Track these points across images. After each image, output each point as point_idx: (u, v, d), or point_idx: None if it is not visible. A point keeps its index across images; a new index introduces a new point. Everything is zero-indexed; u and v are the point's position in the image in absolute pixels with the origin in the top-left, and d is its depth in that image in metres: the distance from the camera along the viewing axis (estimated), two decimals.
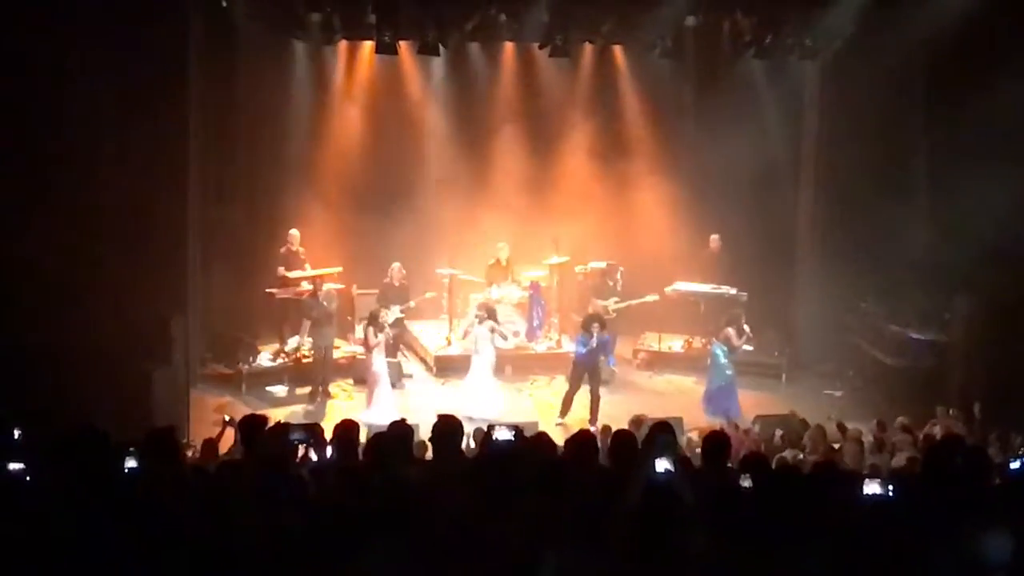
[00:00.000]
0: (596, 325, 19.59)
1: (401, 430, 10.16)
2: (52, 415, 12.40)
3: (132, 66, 17.24)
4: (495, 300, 21.76)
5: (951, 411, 17.27)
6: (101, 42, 16.83)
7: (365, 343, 19.38)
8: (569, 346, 20.97)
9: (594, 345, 19.51)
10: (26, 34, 16.24)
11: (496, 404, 19.51)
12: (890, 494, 8.25)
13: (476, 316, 20.02)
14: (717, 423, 17.57)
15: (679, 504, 7.54)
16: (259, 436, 10.04)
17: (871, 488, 8.29)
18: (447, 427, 9.73)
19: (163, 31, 17.62)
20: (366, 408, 19.00)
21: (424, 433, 14.62)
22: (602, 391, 19.94)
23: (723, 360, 20.00)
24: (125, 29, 16.95)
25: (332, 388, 20.48)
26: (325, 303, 20.30)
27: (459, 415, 17.42)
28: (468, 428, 16.19)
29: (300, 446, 9.78)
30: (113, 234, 17.40)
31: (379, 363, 19.27)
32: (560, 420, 19.57)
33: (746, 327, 20.23)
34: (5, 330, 16.06)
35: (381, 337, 19.20)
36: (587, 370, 19.64)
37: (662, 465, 7.99)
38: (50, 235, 16.58)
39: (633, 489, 7.65)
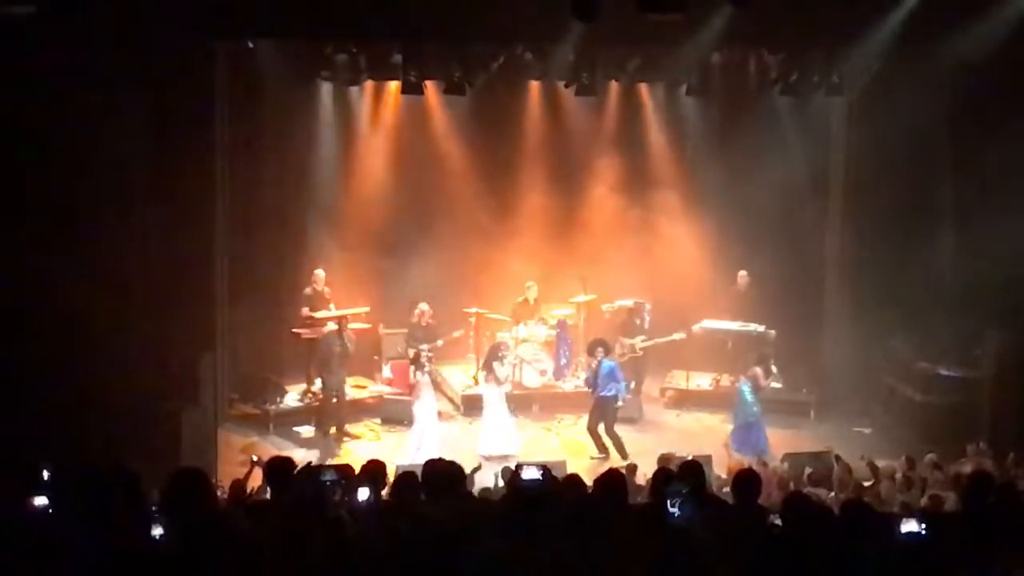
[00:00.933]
0: (600, 349, 19.60)
1: (438, 468, 10.14)
2: (81, 455, 12.41)
3: (160, 107, 17.35)
4: (522, 338, 21.77)
5: (980, 445, 17.14)
6: (129, 83, 16.91)
7: (409, 385, 19.39)
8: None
9: (597, 370, 19.51)
10: (54, 76, 16.31)
11: (513, 440, 19.55)
12: (923, 532, 8.17)
13: (498, 358, 19.98)
14: (745, 461, 17.52)
15: (701, 545, 7.51)
16: (287, 479, 10.03)
17: (908, 527, 8.19)
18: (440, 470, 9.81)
19: (190, 72, 17.68)
20: (412, 451, 18.85)
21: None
22: (629, 429, 19.94)
23: (749, 398, 19.92)
24: (153, 71, 17.03)
25: (358, 428, 20.49)
26: (346, 343, 20.31)
27: (477, 454, 17.62)
28: (487, 467, 16.31)
29: (332, 487, 9.72)
30: (142, 274, 17.48)
31: (421, 404, 19.24)
32: (598, 455, 19.64)
33: (774, 367, 20.18)
34: (34, 369, 16.11)
35: (422, 377, 19.19)
36: (598, 402, 19.71)
37: (676, 508, 7.93)
38: (78, 276, 16.64)
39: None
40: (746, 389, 20.01)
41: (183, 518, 8.32)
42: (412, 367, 19.31)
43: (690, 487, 8.05)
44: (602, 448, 19.71)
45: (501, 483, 14.53)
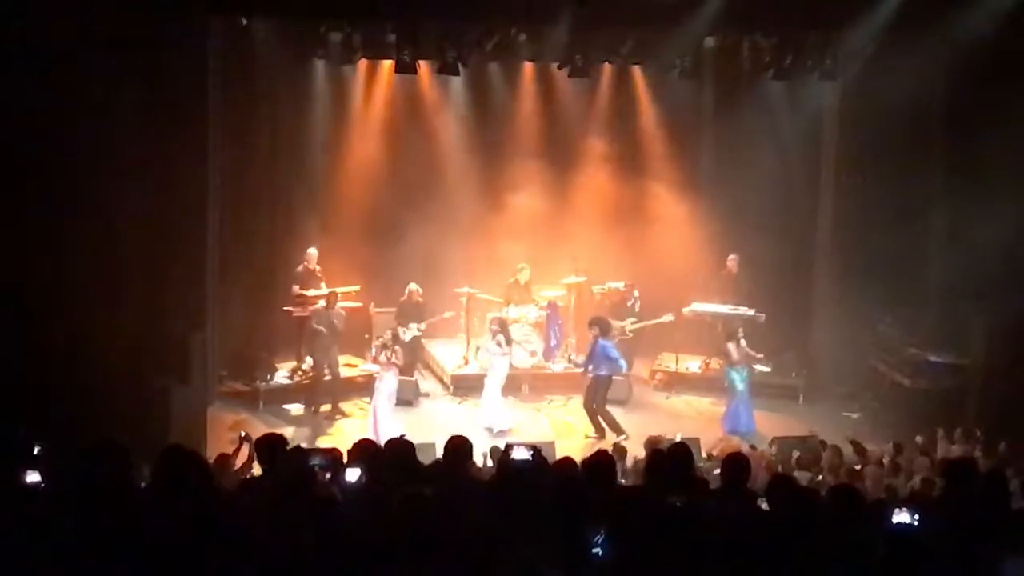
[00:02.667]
0: (596, 328, 19.65)
1: (401, 447, 10.17)
2: (71, 431, 12.41)
3: (152, 84, 17.35)
4: (512, 319, 21.80)
5: (973, 431, 17.20)
6: (121, 61, 16.88)
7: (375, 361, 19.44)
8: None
9: (593, 348, 19.64)
10: (46, 55, 16.26)
11: (506, 417, 19.63)
12: (915, 524, 8.16)
13: (491, 330, 20.03)
14: (734, 440, 17.62)
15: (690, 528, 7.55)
16: (278, 457, 10.05)
17: (900, 517, 8.18)
18: (457, 446, 9.82)
19: (183, 50, 17.71)
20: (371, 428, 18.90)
21: (440, 451, 14.70)
22: (618, 411, 20.02)
23: (734, 377, 20.06)
24: (145, 47, 17.01)
25: (348, 407, 20.53)
26: (335, 320, 20.32)
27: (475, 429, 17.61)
28: (485, 441, 16.33)
29: (320, 471, 9.74)
30: (133, 251, 17.47)
31: (384, 383, 19.30)
32: (592, 435, 19.78)
33: (743, 342, 20.24)
34: (25, 346, 16.10)
35: (383, 357, 19.26)
36: (593, 380, 19.80)
37: (598, 548, 7.93)
38: (71, 252, 16.64)
39: None
40: (732, 372, 20.13)
41: (175, 496, 8.35)
42: (381, 347, 19.33)
43: (607, 531, 8.03)
44: (599, 429, 19.77)
45: (490, 463, 14.55)
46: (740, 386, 20.18)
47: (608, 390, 19.95)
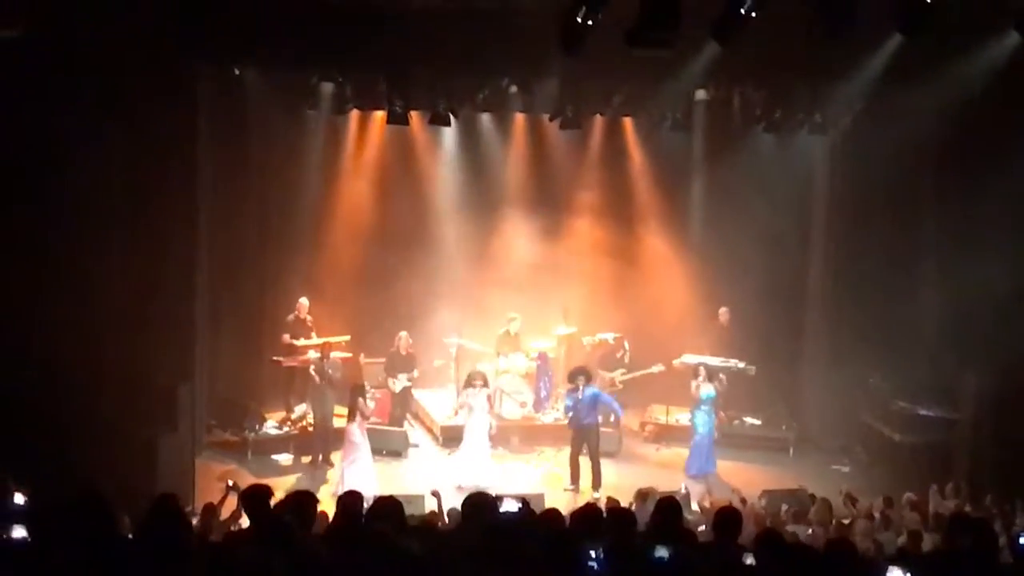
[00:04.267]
0: (581, 378, 19.57)
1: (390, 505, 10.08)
2: (57, 481, 12.35)
3: (141, 133, 17.32)
4: (503, 370, 21.78)
5: (961, 485, 17.18)
6: (111, 107, 16.89)
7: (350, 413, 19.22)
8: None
9: (580, 398, 19.48)
10: (37, 99, 16.29)
11: (490, 473, 19.46)
12: None
13: (472, 385, 19.90)
14: (724, 493, 17.59)
15: None
16: (265, 507, 9.97)
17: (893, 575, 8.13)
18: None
19: (173, 99, 17.71)
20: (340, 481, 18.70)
21: (429, 503, 14.62)
22: (609, 463, 19.95)
23: (699, 419, 20.17)
24: (135, 95, 17.03)
25: (337, 456, 20.41)
26: (330, 371, 20.26)
27: (453, 485, 17.50)
28: (458, 498, 16.15)
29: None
30: (121, 301, 17.41)
31: (358, 434, 19.09)
32: (570, 486, 19.66)
33: (701, 374, 20.32)
34: (12, 395, 16.03)
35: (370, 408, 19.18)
36: (582, 430, 19.65)
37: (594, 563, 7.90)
38: (58, 302, 16.61)
39: None
40: (697, 414, 20.21)
41: (157, 544, 8.30)
42: (359, 396, 19.19)
43: (608, 543, 7.99)
44: (575, 479, 19.75)
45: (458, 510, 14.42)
46: (702, 429, 20.27)
47: (599, 438, 19.91)
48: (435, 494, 14.27)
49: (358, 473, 18.63)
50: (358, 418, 18.91)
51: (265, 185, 22.52)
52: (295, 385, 21.47)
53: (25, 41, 15.85)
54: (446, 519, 13.51)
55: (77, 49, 16.29)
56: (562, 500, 18.04)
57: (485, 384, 20.04)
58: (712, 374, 20.68)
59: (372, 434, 19.73)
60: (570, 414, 19.80)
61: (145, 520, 8.75)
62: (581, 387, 19.50)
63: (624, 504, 15.68)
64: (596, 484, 19.46)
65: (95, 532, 8.31)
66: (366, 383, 19.76)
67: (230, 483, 13.68)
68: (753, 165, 22.69)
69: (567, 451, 20.12)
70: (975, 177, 18.87)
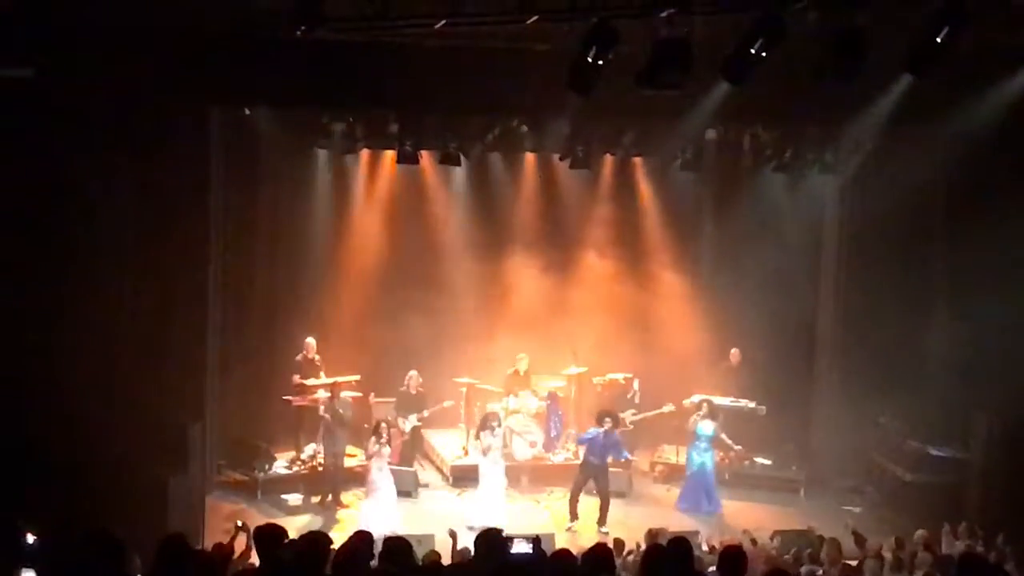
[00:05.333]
0: (609, 420, 19.56)
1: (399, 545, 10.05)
2: (67, 521, 12.32)
3: (153, 174, 17.36)
4: (513, 410, 21.77)
5: (974, 527, 17.09)
6: (123, 147, 16.95)
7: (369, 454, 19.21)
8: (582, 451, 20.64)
9: (599, 437, 19.44)
10: (50, 139, 16.36)
11: (506, 513, 19.44)
12: None
13: (489, 427, 19.84)
14: (736, 534, 17.52)
15: None
16: (276, 547, 9.94)
17: None
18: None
19: (185, 140, 17.77)
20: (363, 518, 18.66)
21: (439, 542, 14.58)
22: (619, 503, 19.91)
23: (695, 456, 20.04)
24: (147, 135, 17.08)
25: (347, 497, 20.37)
26: (341, 410, 20.24)
27: (468, 525, 17.45)
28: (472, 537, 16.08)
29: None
30: (132, 340, 17.45)
31: (378, 473, 19.10)
32: (570, 525, 19.63)
33: (702, 409, 20.28)
34: (23, 436, 16.03)
35: (379, 448, 19.06)
36: (592, 470, 19.64)
37: None
38: (69, 342, 16.63)
39: None
40: (691, 450, 20.16)
41: None
42: (372, 436, 19.18)
43: None
44: (574, 516, 19.74)
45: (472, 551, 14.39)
46: (697, 464, 20.23)
47: (608, 477, 19.90)
48: (452, 534, 14.29)
49: (376, 509, 18.71)
50: (375, 457, 18.94)
51: (275, 224, 22.61)
52: (305, 424, 21.44)
53: (39, 81, 15.92)
54: (452, 558, 13.50)
55: (90, 89, 16.33)
56: (566, 539, 18.00)
57: (499, 425, 20.04)
58: (714, 412, 20.67)
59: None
60: (581, 450, 19.80)
61: (154, 561, 8.73)
62: (605, 430, 19.47)
63: (632, 544, 15.72)
64: (602, 520, 19.52)
65: (105, 572, 8.30)
66: (384, 420, 19.65)
67: (239, 523, 13.66)
68: (763, 205, 22.77)
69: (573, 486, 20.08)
70: (985, 217, 18.83)
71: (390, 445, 19.26)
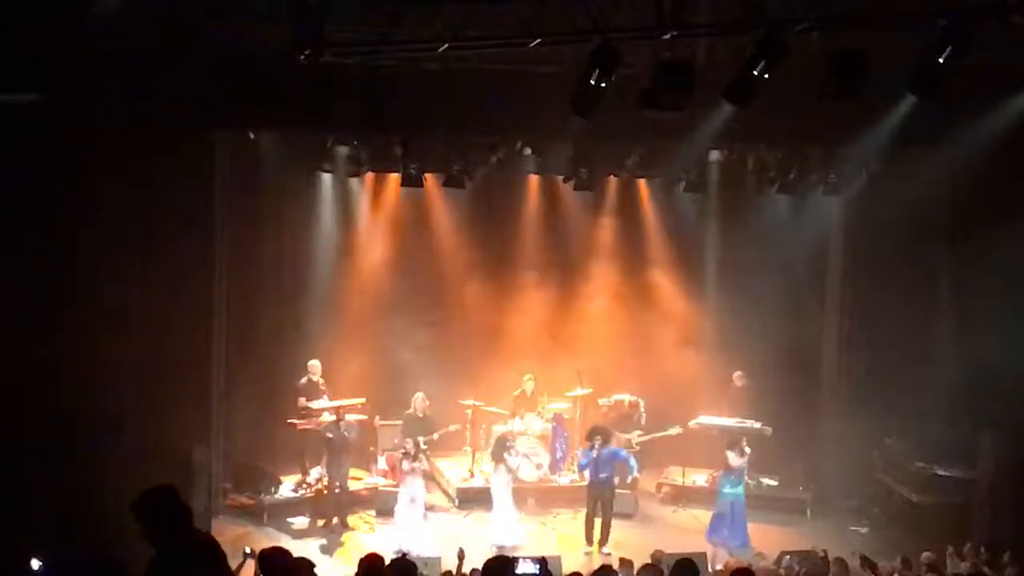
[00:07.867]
0: (598, 438, 19.52)
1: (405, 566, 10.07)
2: (73, 545, 12.34)
3: (158, 197, 17.44)
4: (519, 431, 21.77)
5: (980, 548, 17.07)
6: (127, 175, 16.99)
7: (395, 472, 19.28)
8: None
9: (595, 456, 19.41)
10: (55, 162, 16.39)
11: (520, 532, 19.54)
12: None
13: (508, 449, 19.87)
14: (728, 558, 17.49)
15: None
16: (281, 571, 9.95)
17: None
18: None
19: (188, 161, 17.83)
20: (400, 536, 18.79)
21: (447, 564, 14.61)
22: (625, 524, 19.87)
23: (725, 487, 19.76)
24: (151, 161, 17.14)
25: (353, 519, 20.37)
26: (346, 432, 20.24)
27: (494, 544, 17.47)
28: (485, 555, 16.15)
29: None
30: (136, 364, 17.46)
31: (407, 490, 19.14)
32: (588, 549, 19.62)
33: (747, 447, 19.96)
34: (26, 459, 16.03)
35: (408, 466, 19.09)
36: (597, 486, 19.65)
37: None
38: (74, 365, 16.62)
39: None
40: (724, 480, 19.93)
41: None
42: (402, 457, 19.19)
43: None
44: (590, 540, 19.73)
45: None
46: (731, 496, 19.95)
47: (613, 495, 19.89)
48: (460, 554, 14.34)
49: (401, 527, 18.89)
50: (411, 475, 19.10)
51: (280, 247, 22.67)
52: (310, 448, 21.43)
53: (45, 104, 15.95)
54: None
55: (95, 114, 16.38)
56: (578, 562, 17.96)
57: (515, 444, 20.11)
58: (734, 441, 20.30)
59: (387, 496, 19.75)
60: (585, 471, 19.80)
61: None
62: (596, 447, 19.42)
63: (639, 566, 15.70)
64: (604, 540, 19.54)
65: None
66: (412, 440, 19.65)
67: (247, 550, 13.63)
68: (768, 225, 22.80)
69: (583, 513, 20.04)
70: (990, 236, 18.83)
71: (418, 461, 19.25)
